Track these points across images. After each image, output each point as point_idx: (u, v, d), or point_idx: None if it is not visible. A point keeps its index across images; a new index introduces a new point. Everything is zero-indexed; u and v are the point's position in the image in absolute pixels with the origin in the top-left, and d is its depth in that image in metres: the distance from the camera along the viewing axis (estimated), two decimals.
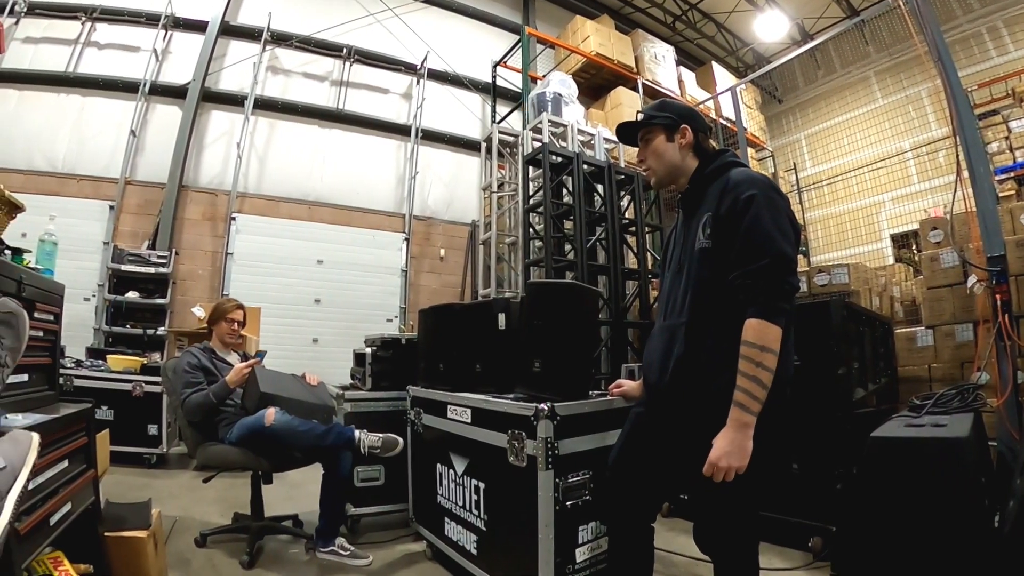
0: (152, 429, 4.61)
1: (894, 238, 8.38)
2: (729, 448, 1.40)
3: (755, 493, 1.51)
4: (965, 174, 3.67)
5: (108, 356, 4.98)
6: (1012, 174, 6.30)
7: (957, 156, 3.68)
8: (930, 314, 4.54)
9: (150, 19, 7.75)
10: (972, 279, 3.82)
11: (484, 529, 2.33)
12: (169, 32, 7.89)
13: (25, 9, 7.23)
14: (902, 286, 6.45)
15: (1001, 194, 5.31)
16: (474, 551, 2.39)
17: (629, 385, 2.04)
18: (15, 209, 1.73)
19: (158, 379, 4.53)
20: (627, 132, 1.86)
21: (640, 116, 1.81)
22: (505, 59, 9.29)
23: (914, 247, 7.98)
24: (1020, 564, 1.81)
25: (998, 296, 3.39)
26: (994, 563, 1.88)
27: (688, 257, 1.63)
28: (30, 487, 1.39)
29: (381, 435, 2.79)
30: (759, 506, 1.58)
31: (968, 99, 4.23)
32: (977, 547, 1.92)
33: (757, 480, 1.47)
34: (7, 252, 1.85)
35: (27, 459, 1.17)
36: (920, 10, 4.00)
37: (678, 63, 9.96)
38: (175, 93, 7.67)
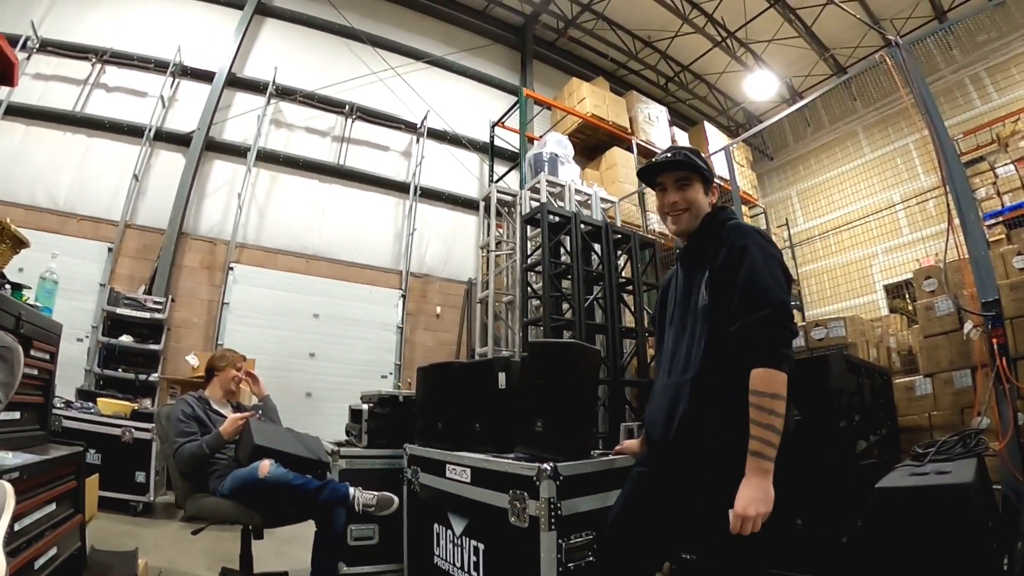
0: (140, 476, 4.51)
1: (887, 289, 8.44)
2: (755, 495, 1.38)
3: (764, 548, 1.47)
4: (956, 222, 3.73)
5: (99, 399, 4.91)
6: (1001, 218, 6.38)
7: (948, 205, 3.74)
8: (927, 362, 4.54)
9: (159, 66, 7.91)
10: (968, 325, 3.85)
11: None
12: (177, 80, 8.05)
13: (37, 46, 7.37)
14: (898, 336, 6.46)
15: (991, 239, 5.38)
16: None
17: (630, 444, 2.03)
18: (20, 244, 1.74)
19: (148, 425, 4.48)
20: (648, 168, 1.81)
21: (685, 156, 1.76)
22: (503, 120, 9.48)
23: (907, 297, 8.05)
24: None
25: (994, 340, 3.39)
26: None
27: (692, 315, 1.64)
28: (15, 528, 1.35)
29: (376, 493, 2.74)
30: (768, 563, 1.55)
31: (955, 148, 4.34)
32: None
33: (765, 534, 1.44)
34: (7, 287, 1.86)
35: (5, 508, 1.15)
36: (905, 64, 4.12)
37: (671, 123, 10.18)
38: (179, 140, 7.78)
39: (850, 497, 2.81)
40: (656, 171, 1.78)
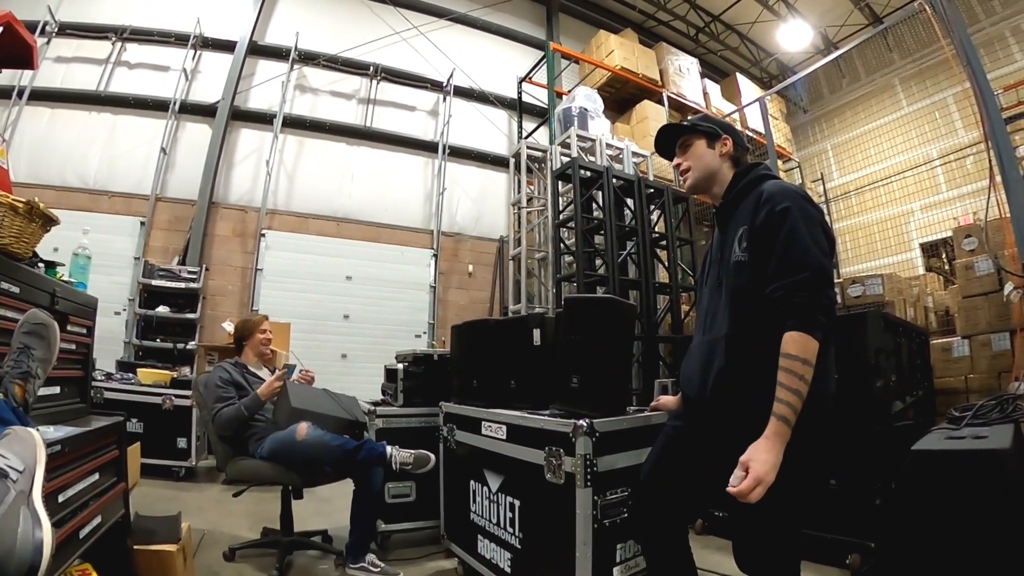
0: (181, 442, 4.64)
1: (924, 247, 8.25)
2: (768, 459, 1.32)
3: (797, 509, 1.46)
4: (998, 179, 3.60)
5: (138, 369, 5.02)
6: None
7: (990, 161, 3.63)
8: (965, 324, 4.46)
9: (179, 39, 7.93)
10: (1009, 287, 3.76)
11: (519, 547, 2.30)
12: (198, 52, 8.08)
13: (56, 29, 7.44)
14: (934, 296, 6.33)
15: None
16: (508, 569, 2.36)
17: (666, 399, 2.01)
18: (49, 222, 1.75)
19: (188, 393, 4.57)
20: (663, 142, 1.87)
21: (678, 124, 1.84)
22: (530, 75, 9.35)
23: (944, 256, 7.86)
24: None
25: None
26: None
27: (725, 271, 1.61)
28: (59, 500, 1.37)
29: (413, 451, 2.77)
30: (801, 524, 1.54)
31: (997, 103, 4.17)
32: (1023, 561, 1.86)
33: (800, 496, 1.44)
34: (40, 265, 1.88)
35: (37, 457, 1.15)
36: (946, 14, 3.95)
37: (703, 75, 9.95)
38: (205, 111, 7.82)
39: (885, 459, 2.79)
40: (660, 143, 1.88)
